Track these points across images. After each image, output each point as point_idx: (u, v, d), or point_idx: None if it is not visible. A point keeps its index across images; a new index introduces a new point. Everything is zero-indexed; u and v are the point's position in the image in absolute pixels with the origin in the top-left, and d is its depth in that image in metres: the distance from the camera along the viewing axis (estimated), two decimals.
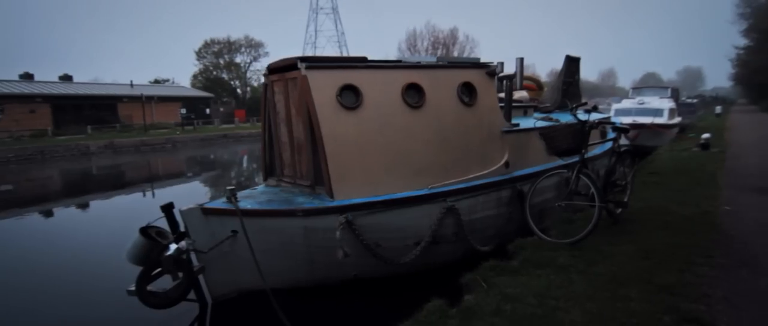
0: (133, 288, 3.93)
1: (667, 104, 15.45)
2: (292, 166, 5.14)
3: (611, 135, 5.61)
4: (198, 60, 48.68)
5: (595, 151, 6.70)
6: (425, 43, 63.15)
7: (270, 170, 5.56)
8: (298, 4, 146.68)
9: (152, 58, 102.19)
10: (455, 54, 62.51)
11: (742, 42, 40.68)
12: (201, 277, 4.36)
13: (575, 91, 8.45)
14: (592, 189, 4.47)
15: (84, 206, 11.10)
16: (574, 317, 2.83)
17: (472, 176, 5.11)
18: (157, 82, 45.77)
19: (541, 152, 5.84)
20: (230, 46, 48.49)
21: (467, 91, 5.22)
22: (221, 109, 41.70)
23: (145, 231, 3.99)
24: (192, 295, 4.32)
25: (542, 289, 3.27)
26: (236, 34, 61.60)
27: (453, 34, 63.50)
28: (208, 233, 4.22)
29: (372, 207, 4.43)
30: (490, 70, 5.46)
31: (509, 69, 6.57)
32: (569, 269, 3.63)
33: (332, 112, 4.45)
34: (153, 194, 12.33)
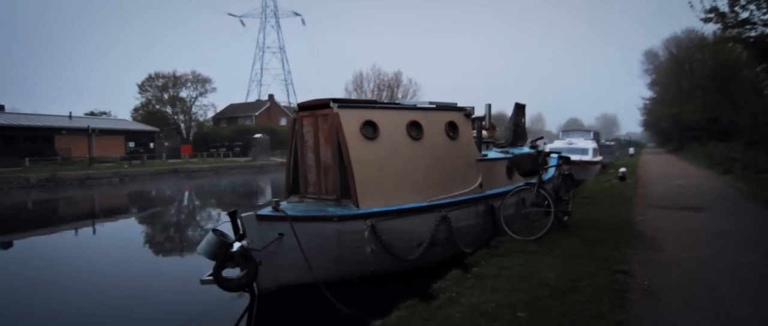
0: (207, 277, 4.92)
1: (590, 145, 18.33)
2: (317, 184, 6.37)
3: (555, 161, 7.45)
4: (140, 93, 47.62)
5: (547, 174, 8.55)
6: (371, 85, 66.07)
7: (293, 189, 6.73)
8: (243, 42, 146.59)
9: (88, 89, 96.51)
10: (399, 96, 65.74)
11: (648, 93, 47.32)
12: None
13: (523, 132, 10.44)
14: (549, 200, 6.15)
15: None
16: (548, 275, 4.33)
17: (456, 193, 6.63)
18: (92, 114, 44.04)
19: (502, 176, 7.56)
20: (176, 81, 48.04)
21: (451, 129, 6.84)
22: (166, 144, 40.84)
23: (215, 231, 5.03)
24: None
25: (523, 263, 4.77)
26: (180, 69, 60.64)
27: (397, 77, 66.68)
28: (259, 235, 5.31)
29: (388, 215, 5.77)
30: (467, 113, 7.16)
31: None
32: (538, 252, 5.18)
33: (357, 141, 5.83)
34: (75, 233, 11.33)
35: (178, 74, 47.95)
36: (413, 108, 6.61)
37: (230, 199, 18.28)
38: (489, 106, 8.37)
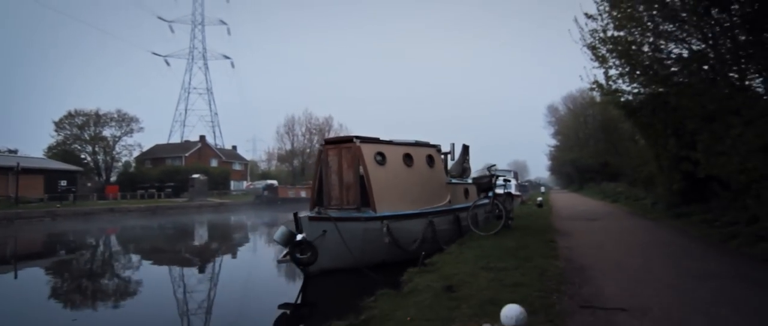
0: (283, 258, 7.06)
1: (513, 181, 22.39)
2: (339, 198, 8.75)
3: (500, 184, 10.60)
4: (57, 131, 45.22)
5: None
6: (303, 129, 68.06)
7: (318, 202, 9.01)
8: (165, 82, 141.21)
9: None
10: None
11: (552, 142, 55.02)
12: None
13: (468, 166, 13.65)
14: (501, 208, 9.15)
15: None
16: (508, 244, 7.17)
17: (436, 206, 9.41)
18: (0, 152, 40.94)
19: (462, 196, 10.52)
20: (98, 119, 46.44)
21: (430, 160, 9.71)
22: (88, 184, 39.15)
23: (286, 225, 7.24)
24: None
25: (490, 244, 7.59)
26: (103, 107, 57.12)
27: (328, 122, 69.31)
28: (310, 231, 7.58)
29: (397, 218, 8.34)
30: (438, 149, 10.13)
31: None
32: (494, 242, 8.02)
33: (373, 165, 8.43)
34: None
35: (101, 112, 46.48)
36: (405, 143, 9.40)
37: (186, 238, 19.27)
38: (453, 145, 11.47)
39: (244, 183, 55.67)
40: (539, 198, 17.63)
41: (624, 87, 12.87)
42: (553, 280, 4.69)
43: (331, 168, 8.93)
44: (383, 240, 7.95)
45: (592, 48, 11.69)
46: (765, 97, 9.27)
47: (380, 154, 8.66)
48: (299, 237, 7.32)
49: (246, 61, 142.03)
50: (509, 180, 11.55)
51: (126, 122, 48.00)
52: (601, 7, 10.80)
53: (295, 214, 7.63)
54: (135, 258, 12.24)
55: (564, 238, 8.14)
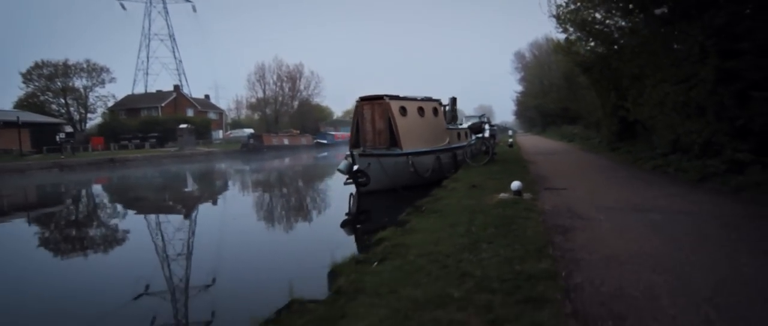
0: (348, 181, 10.50)
1: (487, 125, 26.27)
2: (372, 141, 12.12)
3: (487, 128, 14.32)
4: (25, 83, 45.12)
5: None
6: (275, 76, 68.93)
7: (355, 144, 12.35)
8: (127, 29, 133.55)
9: None
10: (302, 87, 70.00)
11: (518, 88, 59.28)
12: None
13: (456, 114, 17.24)
14: (488, 146, 12.88)
15: None
16: (496, 169, 10.90)
17: (439, 146, 13.00)
18: None
19: (456, 138, 14.14)
20: (67, 70, 46.46)
21: (434, 111, 13.19)
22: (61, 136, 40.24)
23: (346, 158, 10.63)
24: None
25: (482, 171, 11.31)
26: (58, 57, 55.60)
27: (299, 69, 70.12)
28: (361, 163, 11.01)
29: (417, 154, 11.88)
30: (440, 102, 13.60)
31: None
32: (486, 169, 11.77)
33: (399, 116, 11.82)
34: None
35: (69, 63, 46.41)
36: (418, 99, 12.78)
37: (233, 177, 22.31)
38: (454, 99, 14.97)
39: (221, 132, 57.44)
40: (510, 140, 21.60)
41: (580, 50, 16.61)
42: (529, 182, 8.42)
43: (365, 118, 12.25)
44: (408, 170, 11.53)
45: (557, 17, 15.16)
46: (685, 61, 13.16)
47: (403, 107, 12.03)
48: (355, 167, 10.75)
49: (208, 4, 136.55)
50: (494, 126, 15.35)
51: (96, 72, 48.24)
52: None
53: (351, 152, 11.02)
54: (230, 196, 15.41)
55: (532, 165, 11.98)
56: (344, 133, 59.68)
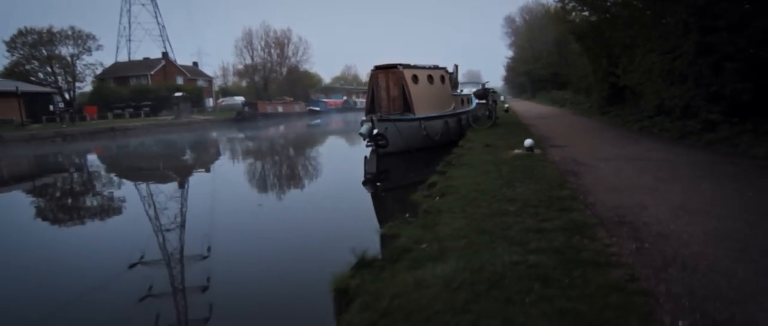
0: (369, 143, 11.79)
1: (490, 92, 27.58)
2: (387, 107, 13.35)
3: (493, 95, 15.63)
4: (9, 51, 44.53)
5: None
6: (262, 42, 68.41)
7: (371, 110, 13.56)
8: None
9: None
10: (290, 53, 69.73)
11: (507, 53, 60.28)
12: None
13: (457, 81, 18.47)
14: (491, 110, 14.23)
15: None
16: (501, 131, 12.28)
17: (447, 111, 14.30)
18: None
19: (460, 104, 15.46)
20: (51, 37, 45.87)
21: (442, 78, 14.43)
22: (61, 105, 40.38)
23: (364, 123, 11.88)
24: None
25: (487, 134, 12.68)
26: (42, 24, 54.03)
27: (286, 34, 69.55)
28: (379, 127, 12.27)
29: (428, 119, 13.18)
30: (447, 70, 14.81)
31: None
32: (492, 131, 13.15)
33: (412, 84, 13.04)
34: None
35: (54, 30, 45.76)
36: (428, 67, 13.98)
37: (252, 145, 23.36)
38: (456, 66, 16.17)
39: (210, 100, 57.64)
40: (506, 105, 22.99)
41: (575, 19, 17.84)
42: (535, 141, 9.82)
43: (380, 86, 13.43)
44: (421, 134, 12.84)
45: None
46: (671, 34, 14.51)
47: (415, 75, 13.23)
48: (375, 131, 12.01)
49: None
50: (496, 93, 16.75)
51: (82, 40, 47.68)
52: None
53: (371, 117, 12.25)
54: (255, 162, 16.56)
55: (532, 128, 13.40)
56: (336, 100, 60.44)
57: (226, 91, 67.49)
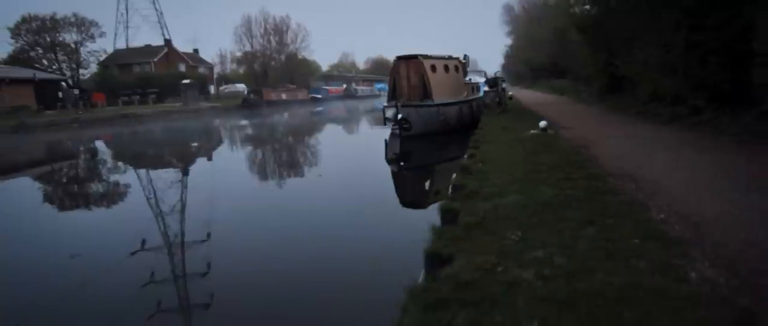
0: (394, 128, 13.28)
1: (482, 80, 29.05)
2: (407, 95, 14.82)
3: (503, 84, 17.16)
4: (13, 38, 45.33)
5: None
6: (262, 29, 69.09)
7: (392, 97, 15.02)
8: None
9: None
10: (288, 41, 70.53)
11: (505, 41, 61.64)
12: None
13: (466, 70, 19.95)
14: (501, 97, 15.77)
15: None
16: (509, 121, 13.81)
17: (460, 98, 15.82)
18: None
19: (471, 92, 17.02)
20: (55, 24, 46.65)
21: (456, 68, 15.92)
22: (76, 92, 41.35)
23: (387, 107, 13.36)
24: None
25: (500, 120, 14.21)
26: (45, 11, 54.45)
27: (285, 21, 70.18)
28: (403, 113, 13.76)
29: (445, 105, 14.69)
30: (461, 60, 16.30)
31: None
32: (501, 117, 14.68)
33: (430, 73, 14.53)
34: None
35: (57, 16, 46.56)
36: (444, 57, 15.45)
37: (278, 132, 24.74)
38: (467, 56, 17.65)
39: (212, 88, 58.64)
40: (510, 93, 24.48)
41: (577, 11, 19.32)
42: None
43: (401, 75, 14.89)
44: (439, 119, 14.36)
45: None
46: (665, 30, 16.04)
47: (433, 65, 14.70)
48: (399, 115, 13.49)
49: None
50: (503, 80, 18.32)
51: (85, 27, 48.51)
52: None
53: (396, 103, 13.73)
54: (287, 148, 18.01)
55: (539, 111, 14.95)
56: (337, 88, 61.69)
57: (225, 78, 68.38)
